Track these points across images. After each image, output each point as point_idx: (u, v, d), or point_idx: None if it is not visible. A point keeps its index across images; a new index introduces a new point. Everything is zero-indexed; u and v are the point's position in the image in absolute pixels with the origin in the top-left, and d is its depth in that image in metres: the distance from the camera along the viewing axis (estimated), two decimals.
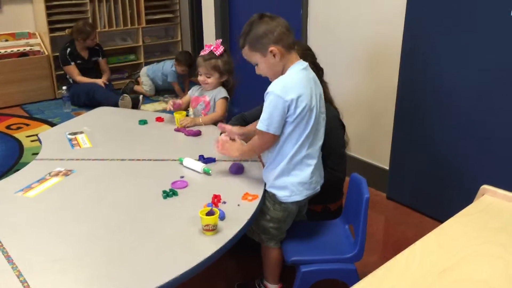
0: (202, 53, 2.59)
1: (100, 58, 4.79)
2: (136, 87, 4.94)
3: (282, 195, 1.87)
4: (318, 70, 2.14)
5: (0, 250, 1.50)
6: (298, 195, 1.87)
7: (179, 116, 2.55)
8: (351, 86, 3.00)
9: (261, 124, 1.77)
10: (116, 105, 4.16)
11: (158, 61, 5.12)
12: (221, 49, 2.54)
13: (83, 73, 4.60)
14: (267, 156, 1.90)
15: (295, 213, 1.95)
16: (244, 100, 3.32)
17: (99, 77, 4.79)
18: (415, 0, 2.49)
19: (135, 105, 4.30)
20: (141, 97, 4.47)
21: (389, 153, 2.84)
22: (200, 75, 2.61)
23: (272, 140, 1.81)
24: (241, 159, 2.04)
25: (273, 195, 1.89)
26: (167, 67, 4.84)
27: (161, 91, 5.06)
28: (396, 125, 2.75)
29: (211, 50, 2.54)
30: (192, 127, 2.53)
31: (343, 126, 2.24)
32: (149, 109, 4.47)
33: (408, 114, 2.67)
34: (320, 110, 1.84)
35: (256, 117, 1.95)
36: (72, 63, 4.55)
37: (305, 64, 1.81)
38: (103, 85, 4.58)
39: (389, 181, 2.88)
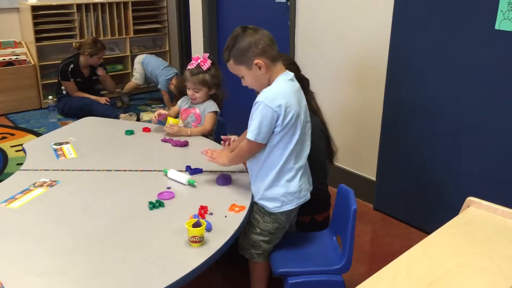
0: (189, 66, 2.58)
1: (101, 72, 4.71)
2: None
3: (272, 206, 1.86)
4: (302, 81, 2.15)
5: None
6: (288, 205, 1.87)
7: (171, 120, 2.55)
8: (338, 98, 3.02)
9: (250, 134, 1.77)
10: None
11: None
12: (208, 63, 2.53)
13: (80, 89, 4.56)
14: (254, 168, 1.89)
15: (285, 224, 1.94)
16: (229, 109, 3.32)
17: (96, 94, 4.72)
18: (401, 14, 2.52)
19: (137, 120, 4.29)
20: (141, 114, 4.47)
21: (376, 164, 2.85)
22: (188, 89, 2.60)
23: (259, 149, 1.82)
24: (229, 167, 2.03)
25: (263, 207, 1.88)
26: (164, 73, 4.75)
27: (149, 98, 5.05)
28: (383, 137, 2.77)
29: (198, 64, 2.53)
30: (178, 137, 2.52)
31: (326, 137, 2.23)
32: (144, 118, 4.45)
33: (394, 126, 2.69)
34: (306, 120, 1.86)
35: None
36: (72, 80, 4.50)
37: (291, 74, 1.83)
38: (105, 102, 4.54)
39: (376, 192, 2.89)
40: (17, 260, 1.50)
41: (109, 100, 4.57)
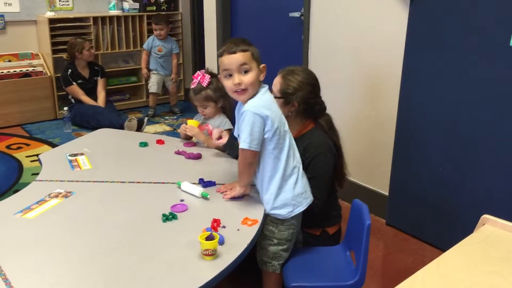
0: (191, 85, 2.64)
1: (99, 78, 4.81)
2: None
3: (285, 212, 1.89)
4: (314, 106, 2.18)
5: None
6: (299, 207, 1.91)
7: (192, 122, 2.60)
8: (352, 112, 3.02)
9: (244, 143, 1.80)
10: (120, 127, 4.16)
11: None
12: (207, 78, 2.57)
13: (86, 93, 4.63)
14: (259, 181, 1.92)
15: (297, 228, 1.97)
16: None
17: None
18: (414, 29, 2.53)
19: (139, 127, 4.31)
20: (145, 119, 4.48)
21: (389, 179, 2.84)
22: (197, 106, 2.66)
23: (254, 157, 1.84)
24: (246, 188, 1.99)
25: (275, 217, 1.90)
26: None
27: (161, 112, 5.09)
28: (396, 152, 2.76)
29: (199, 82, 2.58)
30: (193, 143, 2.61)
31: (333, 153, 2.19)
32: (149, 131, 4.48)
33: (408, 140, 2.69)
34: (286, 127, 1.90)
35: None
36: (74, 83, 4.59)
37: (267, 86, 1.89)
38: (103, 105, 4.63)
39: (388, 207, 2.87)
40: (32, 270, 1.52)
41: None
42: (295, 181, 1.89)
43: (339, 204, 2.32)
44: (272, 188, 1.87)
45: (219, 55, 1.82)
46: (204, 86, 2.57)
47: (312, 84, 2.19)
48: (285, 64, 2.30)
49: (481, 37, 2.24)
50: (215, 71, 2.63)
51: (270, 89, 1.96)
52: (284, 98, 2.16)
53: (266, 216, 1.91)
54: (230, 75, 1.80)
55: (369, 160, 3.00)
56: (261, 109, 1.78)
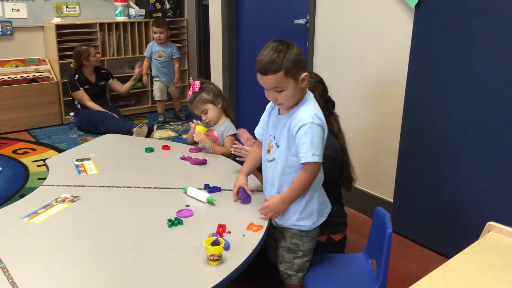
0: (188, 98, 2.72)
1: (111, 80, 4.88)
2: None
3: (311, 223, 1.87)
4: (328, 103, 2.17)
5: (5, 276, 1.50)
6: (322, 216, 1.90)
7: (199, 128, 2.62)
8: (356, 119, 3.03)
9: (307, 156, 1.72)
10: (128, 132, 4.18)
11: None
12: (197, 84, 2.64)
13: (92, 98, 4.66)
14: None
15: (317, 237, 1.96)
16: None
17: (107, 102, 4.88)
18: (420, 35, 2.54)
19: (149, 134, 4.33)
20: (155, 126, 4.51)
21: (394, 186, 2.84)
22: (200, 116, 2.70)
23: (319, 168, 1.80)
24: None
25: (299, 229, 1.87)
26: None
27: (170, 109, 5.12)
28: (401, 159, 2.77)
29: (192, 91, 2.65)
30: (198, 148, 2.64)
31: (336, 158, 2.19)
32: (154, 136, 4.49)
33: (413, 147, 2.69)
34: None
35: None
36: (81, 89, 4.62)
37: (311, 93, 1.84)
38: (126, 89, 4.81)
39: (393, 214, 2.86)
40: (39, 275, 1.53)
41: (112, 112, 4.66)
42: (321, 190, 1.89)
43: (345, 212, 2.32)
44: (303, 199, 1.83)
45: (255, 68, 1.72)
46: (197, 91, 2.62)
47: (323, 82, 2.21)
48: None
49: (487, 43, 2.25)
50: (219, 78, 2.67)
51: None
52: None
53: (287, 229, 1.89)
54: (266, 89, 1.74)
55: (374, 166, 3.01)
56: (317, 119, 1.73)
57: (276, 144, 1.82)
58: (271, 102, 1.87)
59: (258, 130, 1.96)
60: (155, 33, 4.88)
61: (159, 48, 4.93)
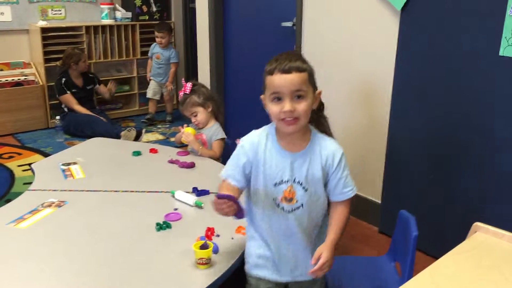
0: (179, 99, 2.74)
1: (98, 85, 4.86)
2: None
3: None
4: (320, 104, 2.18)
5: None
6: None
7: (189, 129, 2.61)
8: (343, 120, 3.04)
9: (349, 191, 1.54)
10: (116, 136, 4.14)
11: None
12: (189, 86, 2.65)
13: (79, 101, 4.62)
14: (314, 228, 1.59)
15: None
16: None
17: (94, 105, 4.85)
18: (405, 36, 2.56)
19: (137, 137, 4.31)
20: (143, 130, 4.49)
21: (381, 187, 2.86)
22: (189, 117, 2.70)
23: None
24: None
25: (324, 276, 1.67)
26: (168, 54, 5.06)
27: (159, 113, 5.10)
28: (388, 159, 2.78)
29: (183, 93, 2.64)
30: (186, 151, 2.66)
31: None
32: (142, 140, 4.47)
33: (399, 148, 2.71)
34: None
35: None
36: (68, 92, 4.58)
37: None
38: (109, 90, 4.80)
39: (381, 215, 2.89)
40: (25, 280, 1.51)
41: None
42: None
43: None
44: (321, 239, 1.57)
45: (268, 73, 1.43)
46: (188, 93, 2.62)
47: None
48: None
49: (471, 45, 2.27)
50: (207, 81, 2.67)
51: None
52: None
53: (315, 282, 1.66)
54: (279, 99, 1.42)
55: (361, 167, 3.02)
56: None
57: (304, 187, 1.50)
58: (246, 142, 1.52)
59: (235, 176, 1.51)
60: (157, 37, 4.98)
61: (158, 50, 5.04)
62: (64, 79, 4.58)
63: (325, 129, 2.18)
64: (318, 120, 2.20)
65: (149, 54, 5.11)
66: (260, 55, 3.61)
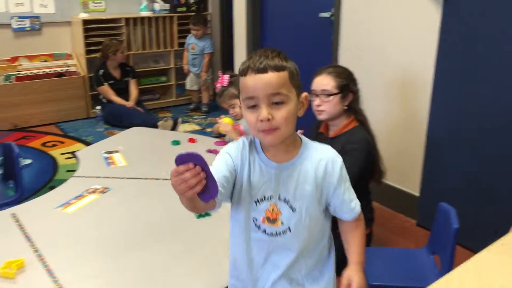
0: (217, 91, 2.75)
1: (131, 79, 4.92)
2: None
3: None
4: (358, 96, 2.19)
5: (41, 263, 1.55)
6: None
7: (227, 120, 2.64)
8: (382, 112, 3.01)
9: (355, 206, 1.31)
10: (153, 126, 4.22)
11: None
12: (226, 78, 2.65)
13: (117, 93, 4.73)
14: (316, 248, 1.30)
15: None
16: None
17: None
18: (448, 27, 2.50)
19: (174, 127, 4.37)
20: (179, 119, 4.55)
21: (420, 180, 2.82)
22: (227, 109, 2.72)
23: None
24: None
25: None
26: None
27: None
28: (428, 152, 2.74)
29: (221, 85, 2.66)
30: (224, 141, 2.69)
31: (369, 152, 2.18)
32: (179, 130, 4.54)
33: (440, 140, 2.66)
34: None
35: None
36: (106, 84, 4.69)
37: None
38: (130, 106, 4.68)
39: (419, 207, 2.85)
40: (73, 263, 1.58)
41: (132, 106, 4.68)
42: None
43: (372, 207, 2.32)
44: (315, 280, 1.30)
45: (241, 73, 1.17)
46: (225, 85, 2.63)
47: (353, 75, 2.22)
48: (315, 65, 2.32)
49: None
50: None
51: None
52: (342, 92, 2.13)
53: None
54: (255, 106, 1.14)
55: (400, 160, 2.99)
56: None
57: (291, 207, 1.21)
58: (230, 149, 1.24)
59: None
60: (192, 30, 5.04)
61: (193, 40, 5.09)
62: (102, 70, 4.69)
63: (364, 120, 2.18)
64: (358, 110, 2.20)
65: (185, 45, 5.18)
66: (298, 46, 3.61)
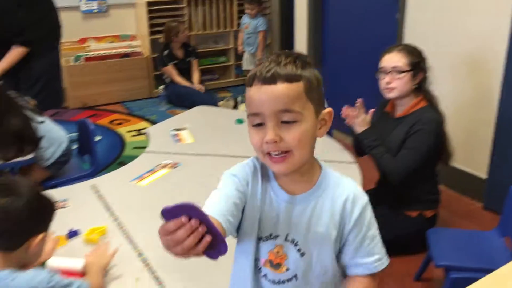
0: None
1: (193, 59, 5.03)
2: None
3: None
4: (428, 75, 2.17)
5: (121, 231, 1.66)
6: None
7: None
8: (449, 92, 2.93)
9: (385, 258, 1.04)
10: (214, 106, 4.32)
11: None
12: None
13: (179, 73, 4.86)
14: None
15: None
16: None
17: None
18: None
19: (235, 106, 4.45)
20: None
21: (487, 162, 2.74)
22: None
23: None
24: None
25: None
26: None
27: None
28: (497, 133, 2.66)
29: None
30: None
31: (438, 133, 2.16)
32: (240, 109, 4.61)
33: (511, 121, 2.57)
34: None
35: None
36: (170, 64, 4.82)
37: None
38: (200, 89, 4.79)
39: (487, 190, 2.78)
40: (149, 232, 1.67)
41: (202, 88, 4.79)
42: None
43: (438, 189, 2.30)
44: None
45: (246, 83, 0.98)
46: None
47: (424, 54, 2.18)
48: (379, 45, 2.29)
49: None
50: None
51: None
52: (414, 69, 2.10)
53: None
54: (261, 124, 0.96)
55: (467, 142, 2.91)
56: None
57: (299, 250, 1.02)
58: (238, 171, 1.10)
59: (221, 211, 1.00)
60: (247, 9, 5.02)
61: (247, 20, 5.07)
62: (167, 51, 4.82)
63: (434, 100, 2.15)
64: (424, 92, 2.16)
65: (240, 26, 5.15)
66: (361, 21, 3.55)
